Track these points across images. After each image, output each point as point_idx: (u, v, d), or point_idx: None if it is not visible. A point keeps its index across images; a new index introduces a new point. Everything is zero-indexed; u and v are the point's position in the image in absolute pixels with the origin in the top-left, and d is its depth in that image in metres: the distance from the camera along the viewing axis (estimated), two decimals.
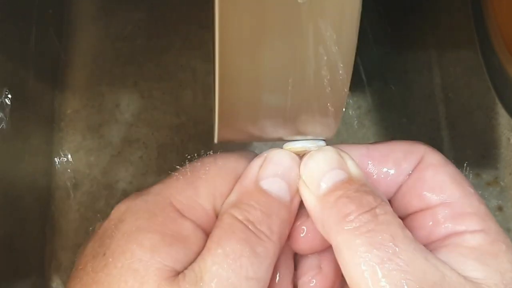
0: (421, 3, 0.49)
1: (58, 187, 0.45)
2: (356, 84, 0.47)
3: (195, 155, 0.26)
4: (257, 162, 0.25)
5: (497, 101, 0.36)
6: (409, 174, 0.25)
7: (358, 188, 0.23)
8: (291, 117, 0.24)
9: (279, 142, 0.26)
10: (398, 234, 0.21)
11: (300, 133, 0.25)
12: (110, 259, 0.22)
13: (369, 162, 0.25)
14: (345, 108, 0.23)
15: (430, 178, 0.25)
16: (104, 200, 0.44)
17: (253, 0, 0.20)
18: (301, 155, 0.25)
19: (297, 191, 0.24)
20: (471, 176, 0.46)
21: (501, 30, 0.33)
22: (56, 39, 0.47)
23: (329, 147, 0.25)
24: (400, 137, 0.47)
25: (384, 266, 0.20)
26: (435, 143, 0.47)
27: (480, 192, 0.45)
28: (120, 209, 0.24)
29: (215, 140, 0.25)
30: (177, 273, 0.22)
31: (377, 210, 0.22)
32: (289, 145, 0.25)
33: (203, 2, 0.47)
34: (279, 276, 0.24)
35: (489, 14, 0.35)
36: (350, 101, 0.47)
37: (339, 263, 0.22)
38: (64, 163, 0.45)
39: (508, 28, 0.33)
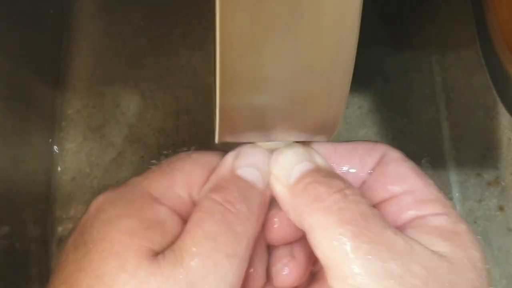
0: (421, 2, 0.49)
1: (58, 187, 0.45)
2: (357, 84, 0.47)
3: (170, 151, 0.27)
4: (231, 154, 0.26)
5: (498, 100, 0.36)
6: (373, 169, 0.27)
7: (326, 174, 0.25)
8: (291, 118, 0.24)
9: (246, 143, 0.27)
10: (367, 212, 0.23)
11: (300, 133, 0.25)
12: (91, 246, 0.23)
13: (335, 157, 0.27)
14: (346, 108, 0.24)
15: (393, 170, 0.26)
16: None
17: (254, 0, 0.20)
18: (272, 152, 0.26)
19: (269, 183, 0.25)
20: (472, 176, 0.46)
21: (502, 30, 0.33)
22: (57, 39, 0.47)
23: (297, 144, 0.26)
24: (401, 137, 0.47)
25: (356, 239, 0.21)
26: (436, 143, 0.47)
27: (481, 192, 0.46)
28: (99, 201, 0.25)
29: (216, 140, 0.25)
30: (157, 254, 0.22)
31: (346, 191, 0.23)
32: (262, 143, 0.26)
33: (203, 2, 0.47)
34: (253, 266, 0.25)
35: (490, 14, 0.35)
36: (351, 100, 0.47)
37: (312, 244, 0.23)
38: (65, 163, 0.45)
39: (509, 28, 0.33)
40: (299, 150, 0.26)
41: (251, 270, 0.25)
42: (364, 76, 0.47)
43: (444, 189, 0.46)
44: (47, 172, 0.44)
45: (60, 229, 0.44)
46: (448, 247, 0.23)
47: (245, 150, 0.26)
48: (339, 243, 0.22)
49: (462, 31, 0.48)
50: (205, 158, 0.26)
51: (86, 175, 0.45)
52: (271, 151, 0.26)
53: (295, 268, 0.26)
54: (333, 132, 0.25)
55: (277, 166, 0.25)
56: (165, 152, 0.27)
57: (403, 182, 0.26)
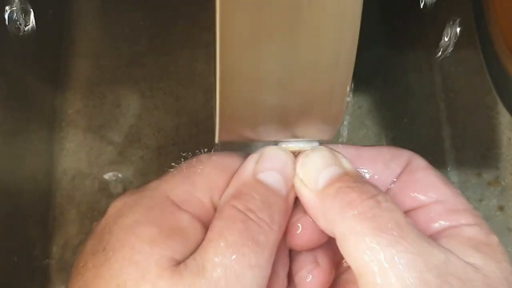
0: (421, 2, 0.49)
1: (59, 187, 0.45)
2: (357, 84, 0.47)
3: (189, 153, 0.26)
4: (253, 157, 0.25)
5: (498, 100, 0.36)
6: (398, 176, 0.26)
7: (356, 179, 0.24)
8: (292, 118, 0.24)
9: (275, 142, 0.26)
10: (401, 220, 0.22)
11: (301, 133, 0.25)
12: (111, 253, 0.22)
13: (359, 162, 0.26)
14: (346, 108, 0.24)
15: (421, 179, 0.26)
16: (105, 200, 0.44)
17: (254, 0, 0.20)
18: (295, 154, 0.25)
19: (293, 187, 0.25)
20: (472, 176, 0.46)
21: (502, 30, 0.33)
22: (57, 39, 0.47)
23: (323, 147, 0.25)
24: (401, 137, 0.47)
25: (392, 248, 0.21)
26: (436, 143, 0.47)
27: (481, 191, 0.46)
28: (117, 205, 0.24)
29: (216, 140, 0.25)
30: (178, 263, 0.22)
31: (379, 198, 0.23)
32: (284, 144, 0.26)
33: (203, 2, 0.47)
34: (275, 271, 0.25)
35: (490, 14, 0.35)
36: (351, 101, 0.47)
37: (344, 251, 0.22)
38: (65, 163, 0.45)
39: (509, 28, 0.33)
40: (327, 154, 0.25)
41: (273, 276, 0.24)
42: (364, 76, 0.47)
43: None
44: (47, 172, 0.44)
45: (60, 229, 0.44)
46: (482, 259, 0.22)
47: (267, 153, 0.25)
48: (374, 251, 0.21)
49: (462, 31, 0.48)
50: (226, 161, 0.26)
51: (86, 175, 0.45)
52: (294, 153, 0.25)
53: (319, 275, 0.25)
54: (334, 131, 0.25)
55: (304, 170, 0.25)
56: (184, 154, 0.27)
57: (432, 191, 0.25)
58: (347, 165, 0.25)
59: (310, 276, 0.25)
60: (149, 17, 0.48)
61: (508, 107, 0.35)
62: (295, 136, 0.25)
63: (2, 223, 0.37)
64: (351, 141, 0.46)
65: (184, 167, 0.25)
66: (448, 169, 0.46)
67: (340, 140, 0.47)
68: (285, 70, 0.21)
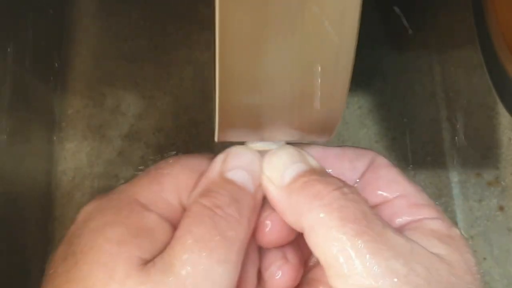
0: (421, 2, 0.49)
1: (58, 187, 0.45)
2: (357, 84, 0.47)
3: (158, 156, 0.27)
4: (220, 157, 0.26)
5: (498, 100, 0.36)
6: (362, 174, 0.27)
7: (321, 174, 0.24)
8: (291, 118, 0.24)
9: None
10: (367, 210, 0.23)
11: (300, 133, 0.25)
12: (79, 256, 0.22)
13: (325, 161, 0.26)
14: (346, 108, 0.24)
15: (384, 175, 0.26)
16: None
17: (254, 0, 0.20)
18: (262, 154, 0.26)
19: (260, 186, 0.25)
20: (472, 176, 0.46)
21: (502, 29, 0.33)
22: (57, 39, 0.47)
23: (289, 146, 0.26)
24: (401, 137, 0.47)
25: (359, 238, 0.21)
26: (436, 143, 0.47)
27: (481, 191, 0.46)
28: (87, 209, 0.25)
29: (216, 140, 0.25)
30: (146, 263, 0.22)
31: (345, 189, 0.23)
32: (251, 144, 0.26)
33: (203, 2, 0.47)
34: (245, 269, 0.25)
35: (489, 13, 0.35)
36: (351, 100, 0.47)
37: (312, 243, 0.23)
38: (65, 163, 0.45)
39: (509, 28, 0.33)
40: (292, 151, 0.25)
41: (243, 273, 0.25)
42: (364, 76, 0.47)
43: (444, 189, 0.46)
44: (47, 172, 0.44)
45: (60, 229, 0.44)
46: (446, 249, 0.23)
47: (234, 152, 0.26)
48: (341, 242, 0.21)
49: (462, 31, 0.48)
50: (194, 162, 0.26)
51: (86, 175, 0.45)
52: (260, 152, 0.26)
53: (289, 271, 0.26)
54: (333, 131, 0.25)
55: (271, 167, 0.25)
56: (151, 157, 0.27)
57: (395, 187, 0.26)
58: (312, 162, 0.25)
59: (280, 272, 0.25)
60: (149, 17, 0.48)
61: (508, 107, 0.35)
62: (294, 135, 0.25)
63: (1, 223, 0.37)
64: (351, 141, 0.46)
65: (152, 170, 0.26)
66: (448, 169, 0.46)
67: (340, 138, 0.47)
68: (284, 70, 0.22)
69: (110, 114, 0.46)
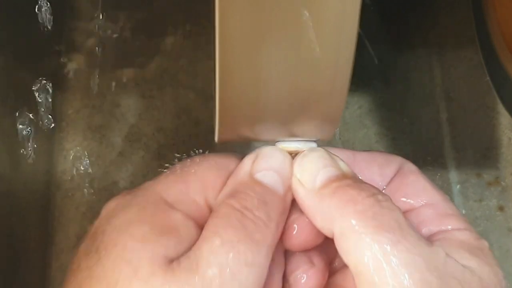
0: (421, 2, 0.49)
1: (59, 187, 0.45)
2: (357, 84, 0.47)
3: (184, 155, 0.26)
4: (250, 157, 0.25)
5: (498, 100, 0.36)
6: (391, 180, 0.26)
7: (354, 180, 0.24)
8: (291, 117, 0.24)
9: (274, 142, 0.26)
10: (401, 219, 0.22)
11: (301, 132, 0.25)
12: (103, 253, 0.22)
13: (354, 166, 0.26)
14: (346, 108, 0.24)
15: (412, 182, 0.26)
16: (105, 200, 0.44)
17: (253, 0, 0.20)
18: (293, 155, 0.25)
19: (290, 187, 0.25)
20: (472, 176, 0.46)
21: (502, 29, 0.33)
22: (57, 39, 0.47)
23: (320, 148, 0.25)
24: (401, 137, 0.47)
25: (394, 248, 0.21)
26: (436, 143, 0.47)
27: (481, 191, 0.46)
28: (110, 206, 0.24)
29: (216, 140, 0.25)
30: (171, 261, 0.22)
31: (379, 197, 0.23)
32: (282, 144, 0.26)
33: (203, 2, 0.47)
34: (271, 272, 0.24)
35: (489, 13, 0.35)
36: (351, 100, 0.47)
37: (341, 250, 0.22)
38: (65, 163, 0.45)
39: (509, 27, 0.33)
40: (324, 155, 0.25)
41: (268, 276, 0.24)
42: (364, 76, 0.47)
43: (444, 189, 0.46)
44: (47, 172, 0.44)
45: (60, 229, 0.44)
46: (476, 262, 0.22)
47: (264, 153, 0.25)
48: (374, 250, 0.21)
49: (462, 31, 0.48)
50: (222, 161, 0.25)
51: (86, 175, 0.45)
52: (291, 153, 0.25)
53: (314, 275, 0.25)
54: (333, 131, 0.25)
55: (302, 170, 0.24)
56: (178, 155, 0.26)
57: (423, 195, 0.25)
58: (344, 166, 0.25)
59: (305, 276, 0.25)
60: (149, 17, 0.48)
61: (508, 107, 0.35)
62: (295, 136, 0.25)
63: (1, 223, 0.37)
64: (351, 141, 0.46)
65: (178, 168, 0.25)
66: (448, 169, 0.46)
67: (340, 138, 0.47)
68: (284, 70, 0.21)
69: (110, 114, 0.46)
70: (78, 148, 0.45)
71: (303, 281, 0.25)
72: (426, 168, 0.46)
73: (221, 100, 0.22)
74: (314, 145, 0.26)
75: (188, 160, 0.25)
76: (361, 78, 0.47)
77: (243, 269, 0.21)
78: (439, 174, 0.46)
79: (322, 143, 0.27)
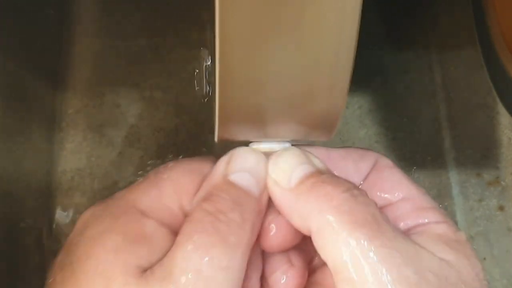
0: (421, 2, 0.49)
1: (58, 187, 0.45)
2: (357, 84, 0.47)
3: (158, 161, 0.26)
4: (223, 159, 0.25)
5: (498, 100, 0.36)
6: (367, 175, 0.26)
7: (329, 175, 0.24)
8: (291, 117, 0.24)
9: (246, 142, 0.26)
10: (377, 214, 0.22)
11: (301, 132, 0.25)
12: (76, 265, 0.22)
13: (329, 162, 0.26)
14: (346, 108, 0.24)
15: (387, 177, 0.26)
16: None
17: (254, 1, 0.20)
18: (267, 155, 0.25)
19: (265, 187, 0.24)
20: (472, 176, 0.46)
21: (502, 29, 0.33)
22: (57, 39, 0.47)
23: (294, 147, 0.25)
24: (401, 137, 0.47)
25: (371, 243, 0.21)
26: (436, 143, 0.47)
27: (481, 191, 0.46)
28: (85, 217, 0.24)
29: (216, 139, 0.25)
30: (145, 271, 0.21)
31: (354, 191, 0.22)
32: (255, 145, 0.25)
33: (203, 2, 0.47)
34: (248, 275, 0.24)
35: (490, 13, 0.35)
36: (351, 100, 0.47)
37: (319, 246, 0.22)
38: (65, 163, 0.45)
39: (509, 27, 0.33)
40: (298, 153, 0.25)
41: (246, 279, 0.24)
42: (364, 76, 0.47)
43: (444, 189, 0.46)
44: (47, 172, 0.44)
45: (60, 229, 0.44)
46: (453, 255, 0.22)
47: (238, 154, 0.25)
48: (351, 246, 0.21)
49: (462, 31, 0.48)
50: (195, 165, 0.25)
51: (86, 175, 0.45)
52: (265, 154, 0.25)
53: (294, 276, 0.25)
54: (333, 131, 0.25)
55: (277, 169, 0.24)
56: (150, 162, 0.26)
57: (399, 189, 0.25)
58: (318, 163, 0.25)
59: (285, 277, 0.25)
60: (149, 17, 0.48)
61: (508, 107, 0.35)
62: (294, 136, 0.25)
63: (1, 223, 0.37)
64: (351, 141, 0.46)
65: (151, 175, 0.25)
66: (448, 169, 0.46)
67: (340, 138, 0.47)
68: (284, 70, 0.21)
69: (110, 114, 0.46)
70: (78, 148, 0.45)
71: (282, 281, 0.25)
72: (426, 168, 0.46)
73: (221, 100, 0.22)
74: (287, 144, 0.26)
75: (161, 166, 0.25)
76: (361, 78, 0.47)
77: (218, 274, 0.21)
78: (439, 174, 0.46)
79: (322, 143, 0.27)
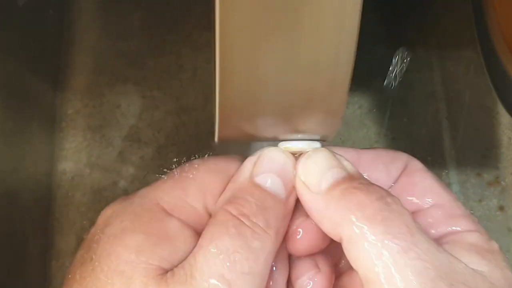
0: (421, 2, 0.49)
1: (59, 187, 0.45)
2: (357, 84, 0.47)
3: (184, 159, 0.26)
4: (251, 159, 0.24)
5: (498, 100, 0.36)
6: (397, 179, 0.26)
7: (361, 181, 0.23)
8: (292, 117, 0.24)
9: (275, 142, 0.26)
10: (411, 224, 0.21)
11: (301, 133, 0.25)
12: (97, 263, 0.22)
13: (359, 165, 0.25)
14: (346, 108, 0.23)
15: (419, 182, 0.25)
16: (105, 200, 0.44)
17: (254, 1, 0.20)
18: (296, 156, 0.25)
19: (292, 190, 0.24)
20: (472, 176, 0.46)
21: (502, 30, 0.33)
22: (57, 39, 0.47)
23: (324, 149, 0.25)
24: (401, 137, 0.47)
25: (404, 255, 0.20)
26: (436, 143, 0.47)
27: (481, 191, 0.46)
28: (106, 213, 0.24)
29: (216, 140, 0.25)
30: (166, 272, 0.21)
31: (388, 199, 0.22)
32: (284, 145, 0.25)
33: (203, 2, 0.47)
34: (273, 279, 0.24)
35: (489, 13, 0.35)
36: (351, 100, 0.47)
37: (350, 255, 0.21)
38: (65, 163, 0.45)
39: (509, 27, 0.33)
40: (329, 155, 0.24)
41: (271, 283, 0.24)
42: (364, 76, 0.47)
43: None
44: (47, 172, 0.44)
45: (60, 229, 0.44)
46: (487, 266, 0.22)
47: (265, 155, 0.24)
48: (384, 258, 0.20)
49: (462, 31, 0.48)
50: (222, 165, 0.25)
51: (86, 175, 0.45)
52: (294, 154, 0.25)
53: (321, 281, 0.24)
54: (334, 130, 0.25)
55: (306, 172, 0.24)
56: (175, 159, 0.25)
57: (430, 195, 0.25)
58: (349, 167, 0.24)
59: (311, 282, 0.24)
60: (149, 17, 0.48)
61: (508, 107, 0.35)
62: (295, 135, 0.25)
63: (1, 223, 0.37)
64: (351, 141, 0.46)
65: (176, 173, 0.24)
66: (448, 169, 0.46)
67: (340, 138, 0.47)
68: (284, 70, 0.21)
69: (111, 114, 0.46)
70: (78, 148, 0.45)
71: (309, 287, 0.24)
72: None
73: (221, 100, 0.22)
74: (318, 145, 0.25)
75: (187, 164, 0.25)
76: (361, 78, 0.47)
77: (240, 279, 0.21)
78: (439, 174, 0.46)
79: (324, 143, 0.27)
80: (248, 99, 0.22)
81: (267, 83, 0.22)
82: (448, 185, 0.46)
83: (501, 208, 0.45)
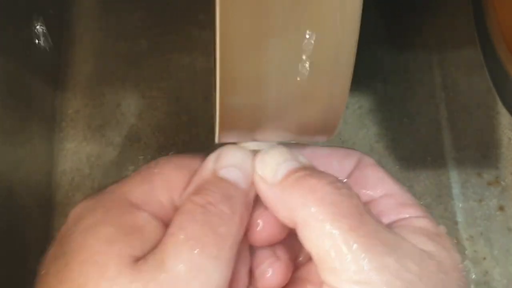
0: (421, 2, 0.49)
1: (59, 187, 0.45)
2: (357, 84, 0.47)
3: (149, 156, 0.27)
4: (213, 156, 0.26)
5: (498, 100, 0.36)
6: (350, 173, 0.27)
7: (313, 170, 0.25)
8: (292, 118, 0.24)
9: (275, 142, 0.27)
10: (360, 206, 0.23)
11: (301, 133, 0.25)
12: (70, 256, 0.22)
13: (315, 161, 0.26)
14: (346, 108, 0.24)
15: (371, 175, 0.27)
16: None
17: (254, 1, 0.20)
18: (254, 154, 0.26)
19: (252, 184, 0.25)
20: (472, 176, 0.46)
21: (502, 29, 0.33)
22: (57, 39, 0.47)
23: (280, 145, 0.26)
24: (400, 137, 0.47)
25: (353, 233, 0.21)
26: (436, 143, 0.47)
27: (481, 191, 0.46)
28: (77, 210, 0.25)
29: (216, 140, 0.25)
30: (138, 260, 0.22)
31: (338, 184, 0.23)
32: (243, 144, 0.26)
33: (204, 2, 0.48)
34: (236, 267, 0.24)
35: (489, 13, 0.35)
36: (351, 100, 0.47)
37: (304, 238, 0.23)
38: (65, 163, 0.45)
39: (509, 27, 0.33)
40: (284, 150, 0.25)
41: (234, 272, 0.24)
42: (364, 76, 0.47)
43: (444, 189, 0.46)
44: (47, 172, 0.44)
45: (60, 229, 0.44)
46: (434, 246, 0.23)
47: (226, 151, 0.26)
48: (334, 236, 0.21)
49: (462, 31, 0.48)
50: (186, 161, 0.26)
51: (86, 175, 0.45)
52: (253, 151, 0.26)
53: (280, 269, 0.26)
54: (333, 131, 0.25)
55: (263, 165, 0.25)
56: (141, 157, 0.27)
57: (381, 186, 0.26)
58: (303, 160, 0.25)
59: (270, 270, 0.26)
60: (149, 17, 0.48)
61: (508, 107, 0.35)
62: (295, 136, 0.25)
63: (1, 223, 0.37)
64: (351, 141, 0.46)
65: (143, 169, 0.26)
66: (448, 169, 0.46)
67: (340, 138, 0.47)
68: (284, 71, 0.21)
69: (110, 114, 0.46)
70: (78, 148, 0.45)
71: (268, 275, 0.26)
72: (426, 168, 0.46)
73: (221, 101, 0.22)
74: (274, 143, 0.26)
75: (153, 161, 0.26)
76: (361, 78, 0.47)
77: (209, 263, 0.22)
78: (439, 174, 0.46)
79: (323, 143, 0.27)
80: (248, 100, 0.22)
81: (267, 84, 0.22)
82: (448, 185, 0.46)
83: (501, 208, 0.45)
